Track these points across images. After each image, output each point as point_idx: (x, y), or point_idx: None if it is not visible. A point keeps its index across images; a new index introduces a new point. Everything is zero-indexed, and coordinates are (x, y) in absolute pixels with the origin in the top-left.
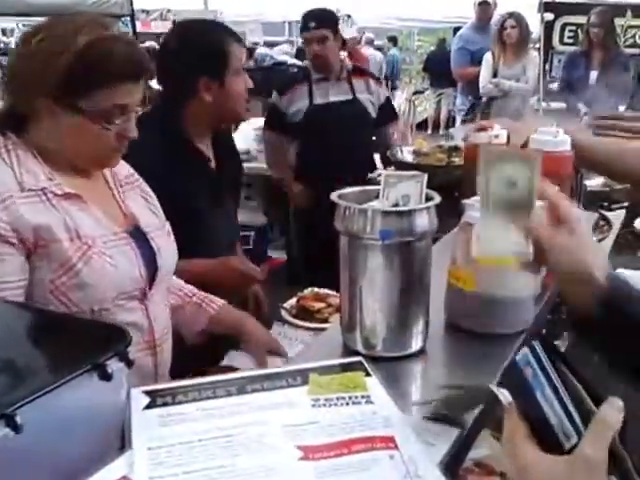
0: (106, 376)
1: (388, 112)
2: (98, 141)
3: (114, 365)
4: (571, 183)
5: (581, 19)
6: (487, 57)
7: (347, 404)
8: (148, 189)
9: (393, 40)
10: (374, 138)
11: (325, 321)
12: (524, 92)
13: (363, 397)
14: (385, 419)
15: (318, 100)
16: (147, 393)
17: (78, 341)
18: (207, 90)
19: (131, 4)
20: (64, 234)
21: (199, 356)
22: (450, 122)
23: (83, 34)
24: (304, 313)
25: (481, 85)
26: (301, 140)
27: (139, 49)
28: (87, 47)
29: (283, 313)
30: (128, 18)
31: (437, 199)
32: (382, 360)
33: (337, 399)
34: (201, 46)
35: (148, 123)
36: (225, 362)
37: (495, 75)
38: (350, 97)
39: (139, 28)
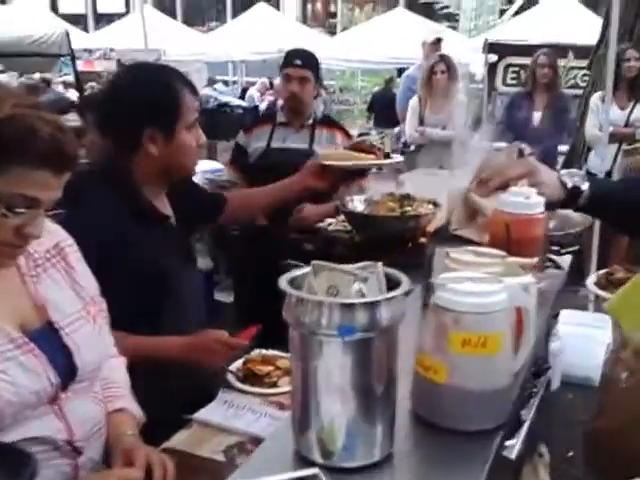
0: None
1: None
2: None
3: None
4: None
5: (524, 60)
6: (412, 103)
7: None
8: (78, 260)
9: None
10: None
11: (274, 385)
12: (451, 139)
13: None
14: None
15: (275, 144)
16: None
17: None
18: (152, 142)
19: (69, 43)
20: None
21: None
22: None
23: (7, 104)
24: (252, 377)
25: (407, 134)
26: (256, 182)
27: (68, 135)
28: (8, 119)
29: (230, 377)
30: (68, 58)
31: (405, 284)
32: (341, 472)
33: None
34: (149, 93)
35: (92, 181)
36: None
37: (422, 121)
38: (306, 147)
39: (81, 67)
